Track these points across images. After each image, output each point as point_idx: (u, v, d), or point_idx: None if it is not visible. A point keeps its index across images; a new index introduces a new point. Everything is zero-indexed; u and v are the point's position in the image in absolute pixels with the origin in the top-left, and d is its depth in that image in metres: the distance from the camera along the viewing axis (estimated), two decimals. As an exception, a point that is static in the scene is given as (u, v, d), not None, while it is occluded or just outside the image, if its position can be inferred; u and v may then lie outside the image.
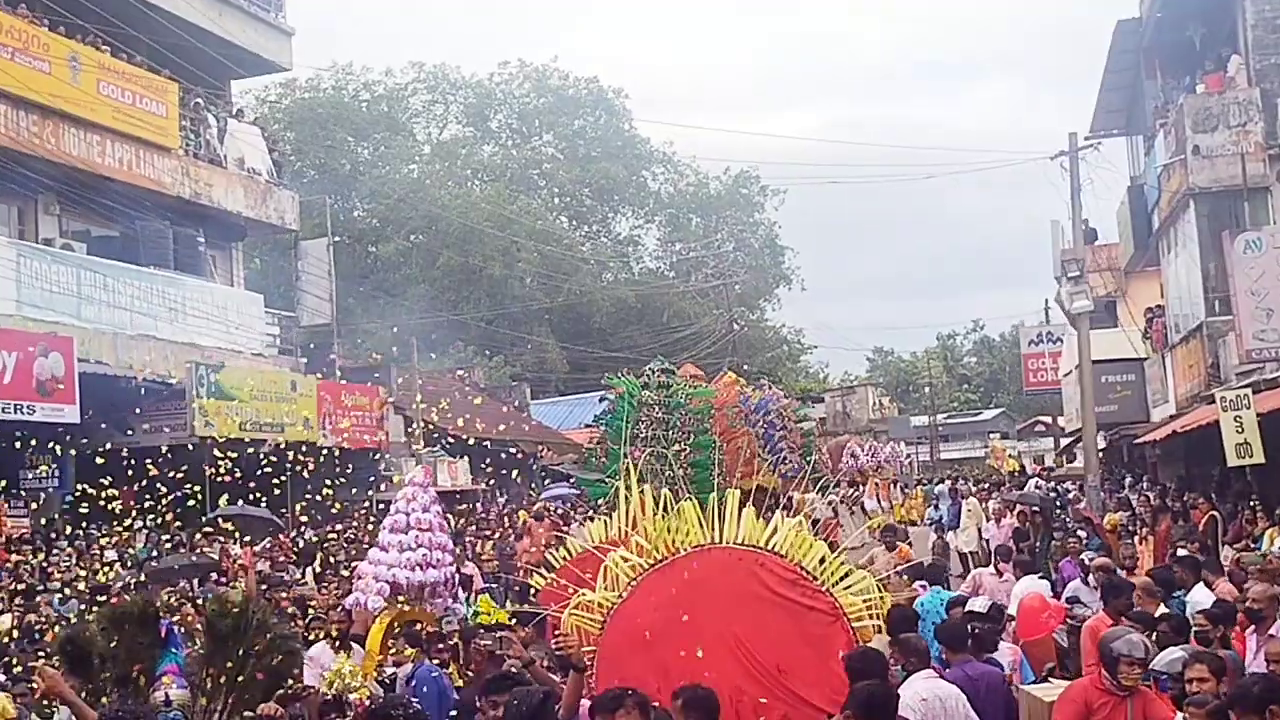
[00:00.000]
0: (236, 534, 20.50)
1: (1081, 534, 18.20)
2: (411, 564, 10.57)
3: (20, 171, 21.75)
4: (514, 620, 10.28)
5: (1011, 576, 15.24)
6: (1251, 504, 17.39)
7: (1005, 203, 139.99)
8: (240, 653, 7.53)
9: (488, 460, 30.75)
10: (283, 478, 25.67)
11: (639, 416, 24.07)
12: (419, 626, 10.56)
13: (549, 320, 54.26)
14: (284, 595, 14.20)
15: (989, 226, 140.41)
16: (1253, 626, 9.04)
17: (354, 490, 28.19)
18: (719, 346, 48.61)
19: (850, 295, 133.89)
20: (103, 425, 22.51)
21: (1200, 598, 10.98)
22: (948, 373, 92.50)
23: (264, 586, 14.71)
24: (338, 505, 25.83)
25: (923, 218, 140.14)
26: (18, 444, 20.25)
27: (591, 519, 23.90)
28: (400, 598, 10.72)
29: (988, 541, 24.28)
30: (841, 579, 8.03)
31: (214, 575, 17.96)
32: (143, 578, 16.85)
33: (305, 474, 25.93)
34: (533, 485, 34.05)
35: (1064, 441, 47.81)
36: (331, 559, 19.73)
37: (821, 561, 8.08)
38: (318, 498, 26.19)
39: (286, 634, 7.85)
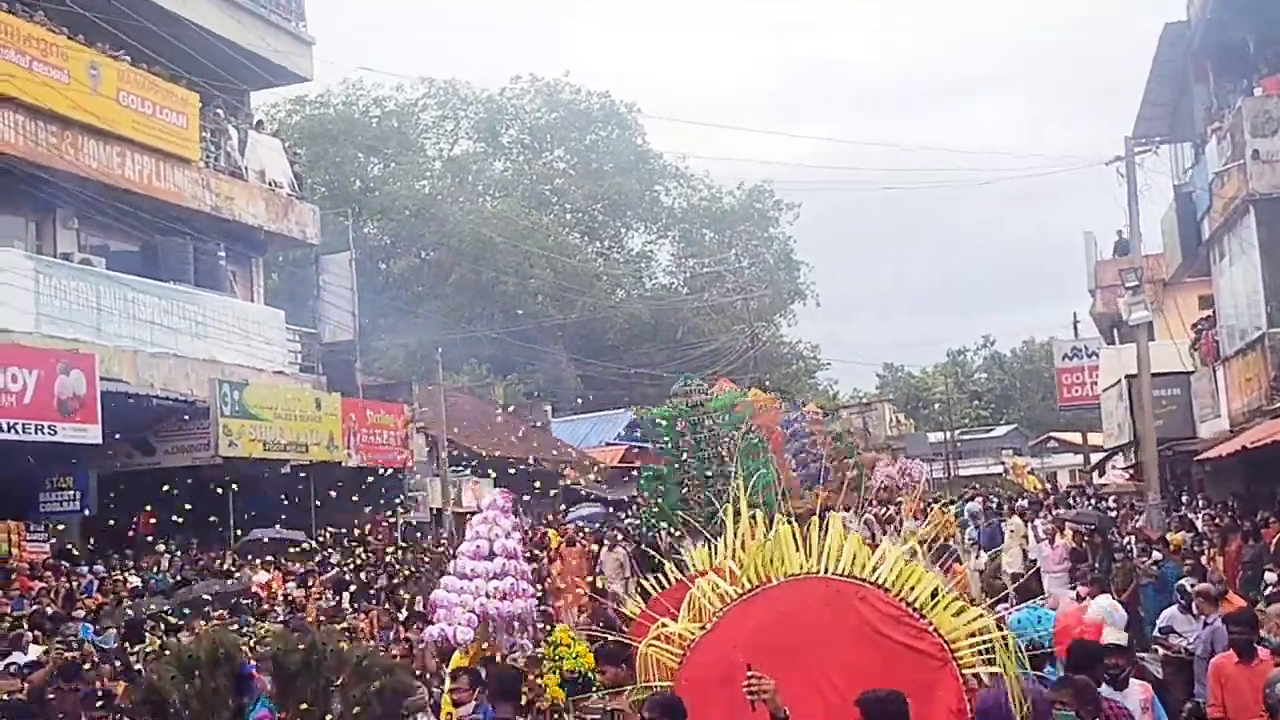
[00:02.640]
0: (269, 558, 19.84)
1: (1156, 555, 17.32)
2: (500, 594, 9.74)
3: (38, 184, 21.10)
4: (597, 656, 9.46)
5: (1088, 600, 14.49)
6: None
7: (1015, 219, 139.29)
8: (316, 690, 6.78)
9: (512, 480, 29.99)
10: (308, 499, 25.12)
11: (690, 437, 23.41)
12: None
13: (562, 337, 53.58)
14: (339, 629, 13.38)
15: (999, 242, 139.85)
16: None
17: (379, 511, 27.51)
18: (739, 363, 47.85)
19: (858, 310, 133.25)
20: (123, 446, 21.84)
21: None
22: (958, 389, 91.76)
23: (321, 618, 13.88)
24: (363, 527, 25.16)
25: (932, 234, 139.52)
26: (36, 464, 19.59)
27: (628, 541, 23.44)
28: (489, 630, 9.89)
29: (1034, 562, 23.49)
30: (955, 615, 7.21)
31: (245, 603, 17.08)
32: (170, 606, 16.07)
33: (330, 495, 25.30)
34: (559, 506, 33.24)
35: (1095, 458, 47.06)
36: (373, 586, 18.89)
37: (934, 596, 7.28)
38: (342, 519, 25.64)
39: (386, 664, 7.08)
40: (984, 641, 6.92)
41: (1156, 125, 27.75)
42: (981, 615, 7.13)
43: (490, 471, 30.73)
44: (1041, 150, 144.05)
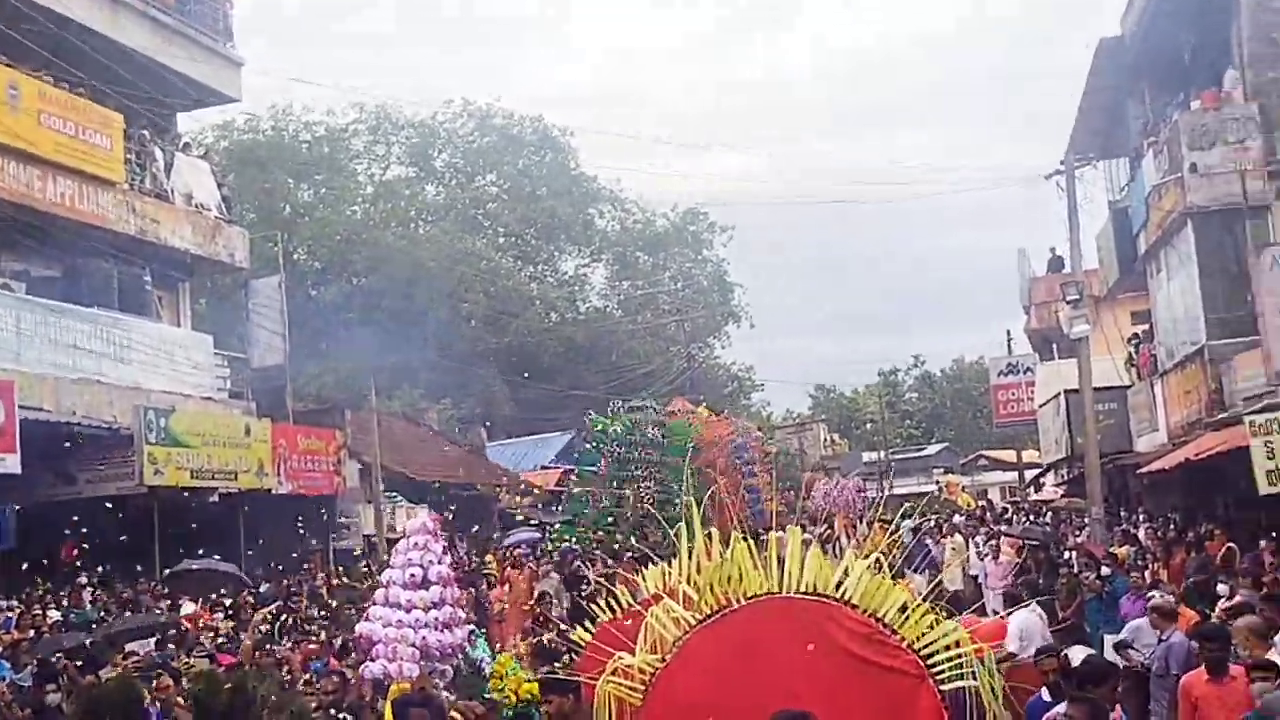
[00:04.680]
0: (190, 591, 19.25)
1: (1106, 571, 17.17)
2: (439, 623, 9.28)
3: (-45, 208, 20.42)
4: (542, 686, 9.05)
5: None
6: (1275, 534, 16.51)
7: (947, 238, 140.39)
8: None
9: (447, 505, 29.55)
10: (237, 528, 24.52)
11: (626, 455, 23.17)
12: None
13: (496, 361, 53.13)
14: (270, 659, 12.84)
15: (930, 262, 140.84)
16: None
17: (310, 539, 26.98)
18: (674, 385, 47.66)
19: (789, 332, 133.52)
20: (44, 475, 21.14)
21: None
22: (890, 409, 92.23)
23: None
24: (294, 556, 24.62)
25: (864, 254, 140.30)
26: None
27: (564, 565, 23.08)
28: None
29: (975, 579, 23.35)
30: (929, 630, 6.91)
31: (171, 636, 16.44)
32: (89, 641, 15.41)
33: (260, 523, 24.74)
34: (495, 530, 32.77)
35: (1028, 474, 47.26)
36: (300, 616, 18.33)
37: (902, 610, 6.96)
38: (273, 548, 25.06)
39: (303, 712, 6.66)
40: (959, 655, 6.61)
41: (1092, 141, 27.85)
42: (956, 628, 6.82)
43: (424, 497, 30.22)
44: (978, 168, 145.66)
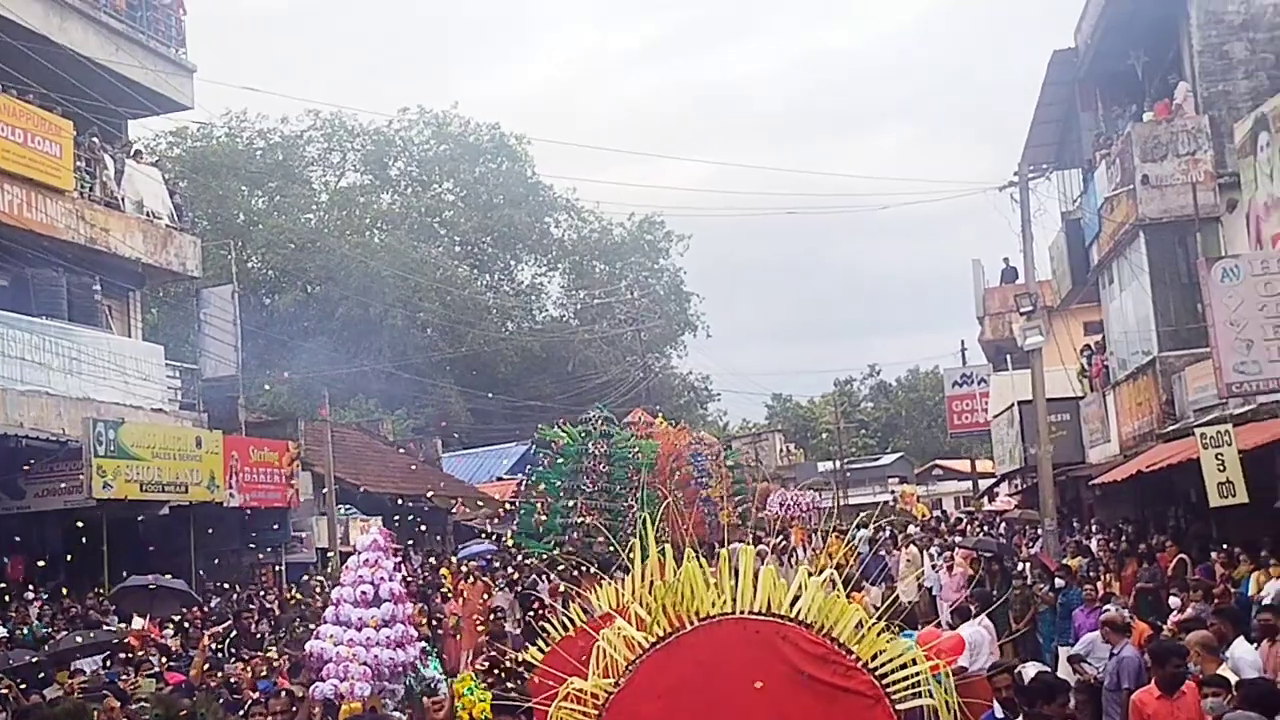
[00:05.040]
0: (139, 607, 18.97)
1: (1059, 583, 17.23)
2: (392, 641, 9.14)
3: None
4: (494, 707, 8.94)
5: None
6: (1225, 546, 16.60)
7: (903, 249, 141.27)
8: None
9: (402, 517, 29.35)
10: (188, 541, 24.25)
11: (580, 468, 23.04)
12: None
13: (452, 371, 52.86)
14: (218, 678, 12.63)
15: (886, 272, 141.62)
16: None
17: (263, 552, 26.70)
18: (631, 395, 47.58)
19: (746, 342, 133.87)
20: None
21: (1242, 653, 10.03)
22: (846, 418, 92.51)
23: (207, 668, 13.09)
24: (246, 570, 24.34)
25: (819, 264, 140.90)
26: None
27: (521, 579, 22.94)
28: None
29: (930, 591, 23.38)
30: (884, 649, 6.84)
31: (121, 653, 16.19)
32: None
33: (212, 536, 24.46)
34: (449, 543, 32.56)
35: (982, 484, 47.45)
36: (251, 633, 18.10)
37: (857, 628, 6.89)
38: (224, 562, 24.77)
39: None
40: (915, 674, 6.55)
41: (1045, 152, 28.04)
42: (911, 646, 6.76)
43: (379, 509, 29.98)
44: (934, 179, 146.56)
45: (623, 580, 7.86)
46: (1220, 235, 20.47)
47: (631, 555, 7.71)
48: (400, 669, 9.18)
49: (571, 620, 8.14)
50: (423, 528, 31.49)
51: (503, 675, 9.51)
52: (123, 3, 25.77)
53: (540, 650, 8.03)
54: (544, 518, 22.18)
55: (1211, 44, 20.77)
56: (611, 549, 11.39)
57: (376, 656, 9.05)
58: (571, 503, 21.77)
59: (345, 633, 9.22)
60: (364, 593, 9.36)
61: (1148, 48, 22.49)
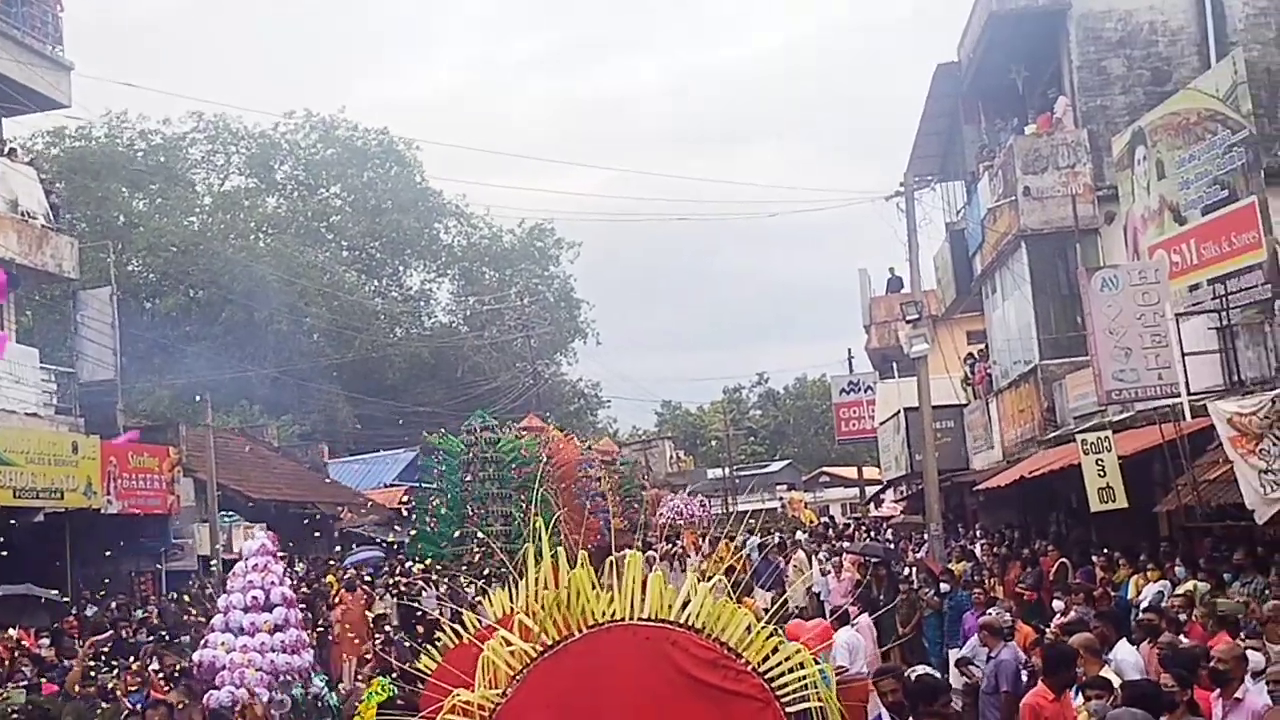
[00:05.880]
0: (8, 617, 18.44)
1: (945, 587, 17.44)
2: (287, 646, 8.92)
3: None
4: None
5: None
6: (1105, 550, 16.95)
7: (792, 258, 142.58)
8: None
9: (287, 524, 28.91)
10: (63, 549, 23.58)
11: (466, 473, 22.86)
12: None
13: (339, 377, 52.22)
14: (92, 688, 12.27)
15: (776, 281, 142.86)
16: (1217, 690, 8.20)
17: (142, 560, 26.11)
18: (520, 401, 47.39)
19: (636, 349, 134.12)
20: None
21: (1124, 654, 10.20)
22: (735, 426, 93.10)
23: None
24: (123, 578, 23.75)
25: (708, 273, 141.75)
26: None
27: (406, 586, 22.71)
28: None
29: (818, 596, 23.54)
30: (773, 652, 6.83)
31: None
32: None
33: (88, 544, 23.82)
34: (336, 550, 32.10)
35: (869, 491, 47.99)
36: (129, 642, 17.64)
37: (747, 632, 6.88)
38: (101, 570, 24.15)
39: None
40: (804, 677, 6.55)
41: (930, 164, 28.49)
42: (800, 650, 6.75)
43: (262, 516, 29.48)
44: (823, 188, 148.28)
45: (514, 588, 7.72)
46: (1099, 246, 20.93)
47: (524, 563, 7.59)
48: (296, 674, 8.98)
49: (460, 630, 8.01)
50: (317, 535, 31.10)
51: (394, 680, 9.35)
52: (-3, -4, 25.09)
53: (430, 660, 7.88)
54: (435, 523, 21.99)
55: (1090, 60, 21.25)
56: (507, 553, 11.25)
57: (272, 661, 8.84)
58: (465, 510, 21.59)
59: (237, 639, 8.98)
60: (254, 598, 9.16)
61: (1029, 63, 22.94)
